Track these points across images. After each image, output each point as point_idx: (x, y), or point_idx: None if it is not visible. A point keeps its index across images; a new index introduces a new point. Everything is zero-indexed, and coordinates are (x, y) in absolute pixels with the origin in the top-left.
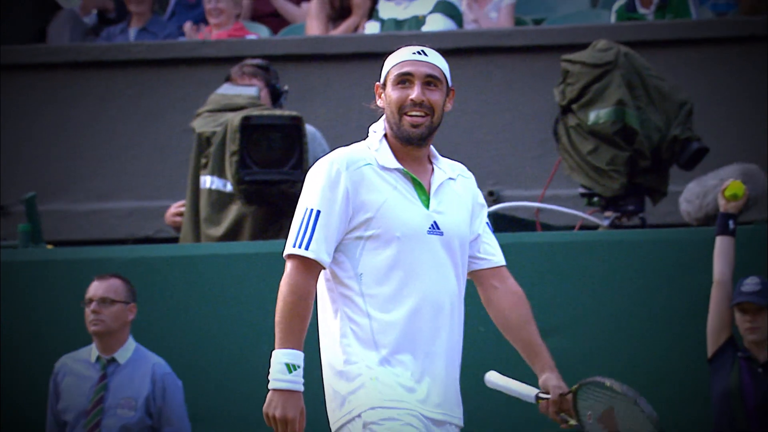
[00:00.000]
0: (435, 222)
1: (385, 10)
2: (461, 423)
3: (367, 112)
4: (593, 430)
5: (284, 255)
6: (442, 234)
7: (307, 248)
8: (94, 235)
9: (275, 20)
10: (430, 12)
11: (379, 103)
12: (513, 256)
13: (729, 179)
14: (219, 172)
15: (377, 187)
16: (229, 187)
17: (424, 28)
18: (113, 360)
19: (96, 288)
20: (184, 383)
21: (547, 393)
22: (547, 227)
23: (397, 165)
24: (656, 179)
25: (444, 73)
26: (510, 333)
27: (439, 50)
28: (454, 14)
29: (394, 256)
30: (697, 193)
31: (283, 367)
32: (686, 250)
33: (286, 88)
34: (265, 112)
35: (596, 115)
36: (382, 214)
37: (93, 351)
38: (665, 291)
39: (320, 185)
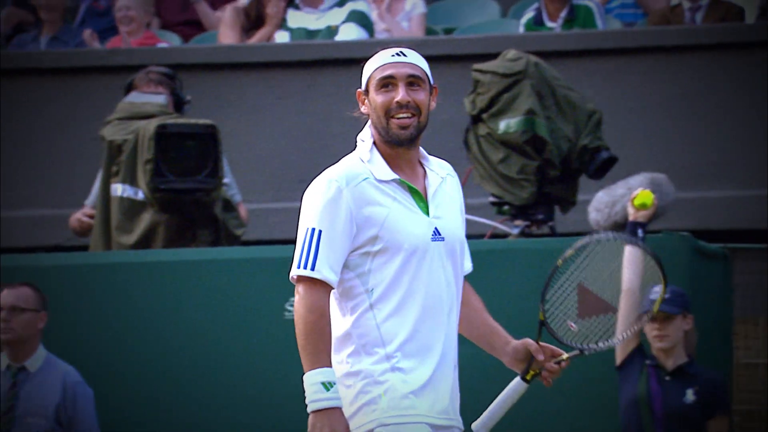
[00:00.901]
0: (436, 228)
1: (295, 20)
2: (462, 426)
3: (280, 120)
4: (587, 331)
5: (291, 277)
6: (443, 239)
7: (313, 269)
8: (4, 243)
9: (186, 29)
10: (343, 22)
11: (363, 109)
12: None
13: (638, 188)
14: (131, 180)
15: (378, 201)
16: (140, 195)
17: (337, 38)
18: (23, 368)
19: (6, 296)
20: (95, 392)
21: (526, 362)
22: None
23: (394, 176)
24: (565, 188)
25: (425, 72)
26: (471, 320)
27: (349, 60)
28: (366, 23)
29: (402, 268)
30: (605, 202)
31: (319, 386)
32: None
33: (188, 98)
34: (180, 121)
35: (506, 124)
36: (387, 229)
37: (3, 359)
38: None
39: (321, 204)
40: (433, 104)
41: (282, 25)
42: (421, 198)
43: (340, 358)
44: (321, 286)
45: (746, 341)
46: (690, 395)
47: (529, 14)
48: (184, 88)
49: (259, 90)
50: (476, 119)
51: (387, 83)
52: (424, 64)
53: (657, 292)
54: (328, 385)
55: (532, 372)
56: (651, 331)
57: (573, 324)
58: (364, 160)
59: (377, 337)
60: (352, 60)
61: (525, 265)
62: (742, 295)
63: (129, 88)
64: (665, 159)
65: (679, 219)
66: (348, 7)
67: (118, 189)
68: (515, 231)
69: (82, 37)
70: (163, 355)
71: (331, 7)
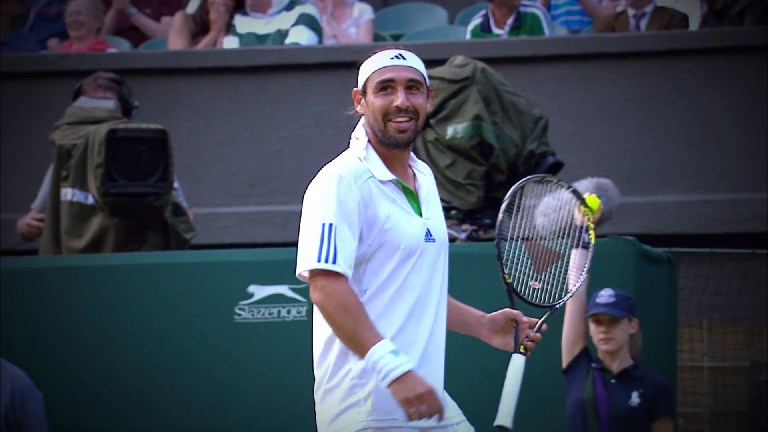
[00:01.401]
0: (428, 229)
1: (244, 25)
2: (451, 422)
3: (230, 125)
4: (547, 285)
5: (305, 271)
6: (434, 241)
7: (334, 262)
8: None
9: (136, 34)
10: (293, 25)
11: (359, 109)
12: None
13: (585, 193)
14: (81, 185)
15: (380, 201)
16: (90, 200)
17: (288, 40)
18: None
19: None
20: (44, 395)
21: (503, 333)
22: None
23: (392, 177)
24: None
25: (423, 76)
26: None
27: (299, 65)
28: (316, 27)
29: (397, 269)
30: (553, 206)
31: (389, 356)
32: None
33: (136, 103)
34: (131, 125)
35: (454, 130)
36: (387, 229)
37: None
38: None
39: (334, 199)
40: (428, 106)
41: (231, 30)
42: (414, 199)
43: (326, 358)
44: (340, 278)
45: (690, 344)
46: (635, 398)
47: (476, 21)
48: (134, 93)
49: (209, 95)
50: (424, 125)
51: (386, 86)
52: (422, 67)
53: (603, 296)
54: (395, 352)
55: (522, 344)
56: (597, 334)
57: (535, 283)
58: (361, 158)
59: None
60: (302, 65)
61: (472, 269)
62: (686, 299)
63: (77, 93)
64: (611, 164)
65: (625, 223)
66: (297, 11)
67: (68, 193)
68: (462, 235)
69: (47, 44)
70: (112, 359)
71: (279, 12)
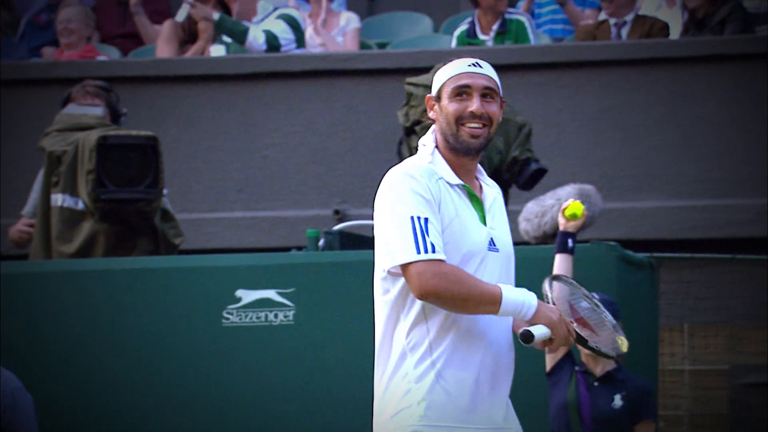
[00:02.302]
0: (492, 239)
1: None
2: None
3: (218, 131)
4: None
5: (404, 263)
6: (498, 251)
7: (434, 251)
8: None
9: (125, 42)
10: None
11: (431, 115)
12: (358, 274)
13: (569, 199)
14: (71, 191)
15: (448, 202)
16: (80, 205)
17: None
18: None
19: None
20: (35, 399)
21: None
22: None
23: (459, 181)
24: None
25: (498, 85)
26: None
27: (285, 73)
28: (295, 25)
29: (467, 268)
30: (535, 212)
31: (520, 294)
32: (525, 267)
33: (125, 110)
34: (122, 132)
35: None
36: (452, 231)
37: None
38: None
39: (411, 194)
40: (500, 116)
41: (218, 39)
42: (480, 207)
43: (385, 361)
44: (442, 262)
45: (671, 348)
46: (618, 401)
47: (463, 27)
48: (124, 101)
49: (197, 102)
50: (409, 131)
51: (462, 92)
52: (496, 77)
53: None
54: (521, 293)
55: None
56: None
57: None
58: (428, 162)
59: (426, 343)
60: (290, 73)
61: None
62: (667, 304)
63: (66, 101)
64: (593, 170)
65: (607, 229)
66: (279, 12)
67: (58, 199)
68: None
69: (42, 53)
70: (102, 362)
71: (263, 19)
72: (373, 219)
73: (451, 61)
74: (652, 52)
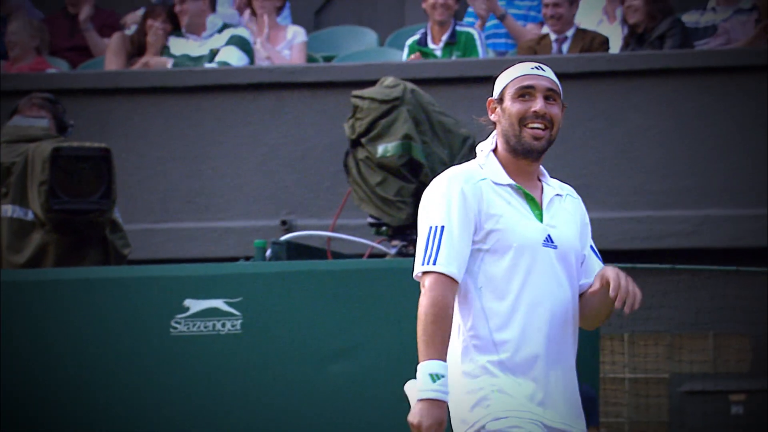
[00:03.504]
0: (549, 235)
1: (178, 47)
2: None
3: (166, 143)
4: None
5: (415, 275)
6: (556, 247)
7: (434, 263)
8: None
9: (74, 54)
10: (224, 45)
11: (493, 117)
12: (305, 284)
13: None
14: (21, 201)
15: (494, 201)
16: (30, 216)
17: (218, 58)
18: None
19: None
20: None
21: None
22: (337, 255)
23: (509, 181)
24: None
25: (560, 89)
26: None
27: (232, 86)
28: (247, 48)
29: (511, 268)
30: None
31: (427, 377)
32: None
33: (71, 122)
34: (75, 144)
35: (384, 148)
36: (500, 228)
37: None
38: None
39: (441, 201)
40: (561, 120)
41: (165, 52)
42: (536, 206)
43: (453, 356)
44: (446, 281)
45: (612, 356)
46: None
47: (416, 37)
48: (73, 113)
49: (145, 114)
50: (355, 143)
51: (525, 93)
52: (558, 81)
53: None
54: (435, 377)
55: None
56: None
57: None
58: (481, 165)
59: (488, 338)
60: (238, 85)
61: (402, 284)
62: None
63: (14, 113)
64: None
65: None
66: (229, 32)
67: (8, 210)
68: (393, 251)
69: None
70: (51, 373)
71: (212, 34)
72: (320, 230)
73: (513, 65)
74: (592, 66)
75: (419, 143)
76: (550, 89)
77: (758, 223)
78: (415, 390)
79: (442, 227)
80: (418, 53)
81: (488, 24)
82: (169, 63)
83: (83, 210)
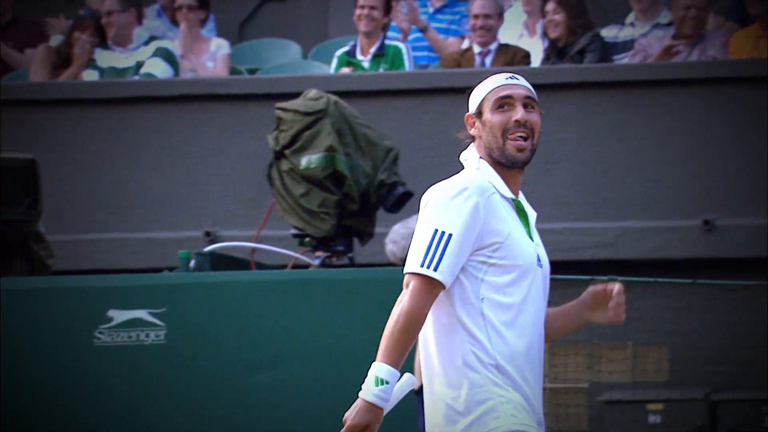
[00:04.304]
0: (538, 255)
1: (104, 59)
2: None
3: (88, 154)
4: None
5: (407, 272)
6: (542, 267)
7: (436, 269)
8: None
9: None
10: (150, 57)
11: (472, 132)
12: (229, 294)
13: None
14: None
15: (503, 216)
16: None
17: (143, 70)
18: None
19: None
20: None
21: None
22: (261, 266)
23: (511, 195)
24: (364, 221)
25: (536, 96)
26: (553, 326)
27: (158, 98)
28: (172, 60)
29: (514, 285)
30: (402, 234)
31: (373, 379)
32: (392, 288)
33: None
34: (1, 155)
35: (308, 160)
36: (509, 244)
37: None
38: (373, 327)
39: (453, 209)
40: (540, 126)
41: (91, 64)
42: (527, 223)
43: (454, 366)
44: (434, 288)
45: None
46: None
47: (345, 48)
48: None
49: (70, 126)
50: (279, 155)
51: (504, 103)
52: (533, 89)
53: None
54: (381, 381)
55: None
56: None
57: None
58: (483, 175)
59: (488, 349)
60: (162, 97)
61: (325, 295)
62: None
63: None
64: None
65: None
66: (155, 45)
67: None
68: (316, 262)
69: None
70: None
71: (139, 47)
72: (244, 241)
73: (487, 78)
74: None
75: (343, 155)
76: (527, 97)
77: (675, 234)
78: (363, 386)
79: (450, 235)
80: (349, 66)
81: (410, 37)
82: (95, 75)
83: (9, 221)
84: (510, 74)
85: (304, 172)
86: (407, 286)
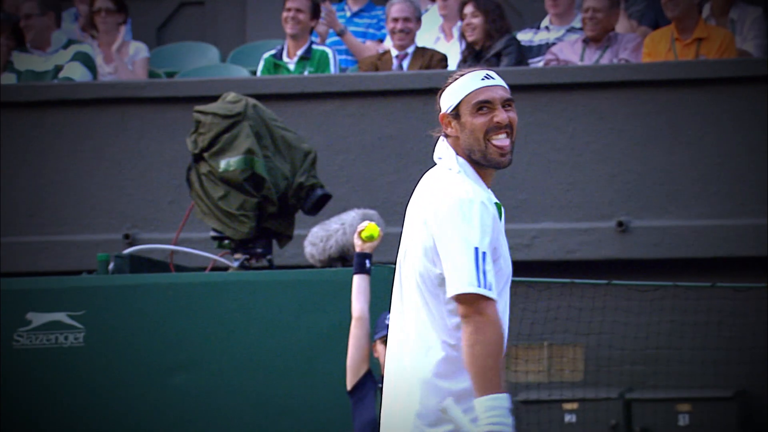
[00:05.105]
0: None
1: (22, 63)
2: None
3: (6, 157)
4: None
5: (464, 292)
6: (510, 274)
7: (491, 289)
8: None
9: None
10: (69, 61)
11: (449, 131)
12: (148, 297)
13: (365, 221)
14: None
15: (499, 225)
16: None
17: (62, 74)
18: None
19: None
20: None
21: None
22: (180, 268)
23: (495, 200)
24: (283, 223)
25: (511, 95)
26: None
27: (77, 101)
28: (90, 65)
29: (502, 294)
30: (321, 236)
31: (506, 412)
32: (311, 289)
33: None
34: None
35: (227, 163)
36: (503, 252)
37: None
38: (291, 328)
39: (478, 224)
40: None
41: (9, 67)
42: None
43: (454, 384)
44: (496, 307)
45: None
46: None
47: (272, 51)
48: None
49: None
50: (198, 158)
51: (483, 106)
52: (506, 85)
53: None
54: (510, 411)
55: None
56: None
57: None
58: (466, 177)
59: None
60: (80, 100)
61: (244, 296)
62: None
63: None
64: (376, 196)
65: (389, 252)
66: (73, 49)
67: None
68: (235, 264)
69: None
70: None
71: (57, 50)
72: (163, 243)
73: (459, 76)
74: (431, 83)
75: (261, 158)
76: (506, 99)
77: (590, 236)
78: (490, 422)
79: (484, 253)
80: (276, 68)
81: (328, 41)
82: (13, 78)
83: None
84: (485, 73)
85: (223, 175)
86: (473, 308)
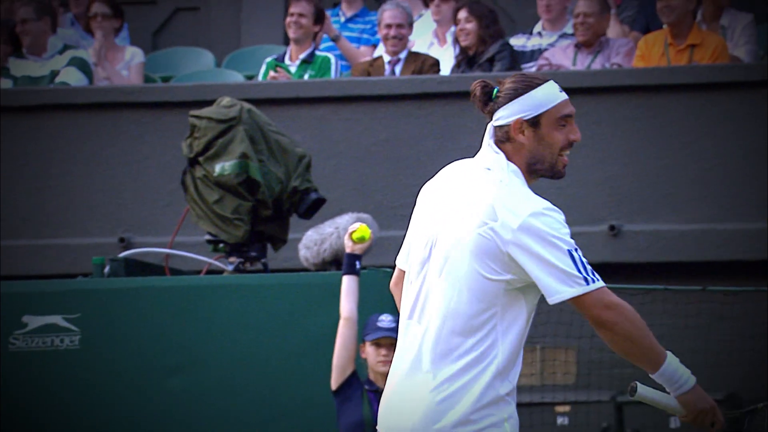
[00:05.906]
0: None
1: (18, 68)
2: None
3: (4, 160)
4: None
5: (588, 291)
6: None
7: (599, 279)
8: None
9: None
10: (65, 66)
11: (520, 138)
12: (143, 300)
13: (356, 223)
14: None
15: None
16: None
17: (58, 79)
18: None
19: None
20: None
21: None
22: (175, 272)
23: None
24: (277, 227)
25: None
26: None
27: (73, 105)
28: (86, 69)
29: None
30: (315, 240)
31: (682, 366)
32: (305, 292)
33: None
34: None
35: (221, 167)
36: None
37: None
38: (286, 330)
39: (567, 231)
40: None
41: (5, 73)
42: None
43: (473, 377)
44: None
45: None
46: None
47: (273, 56)
48: None
49: None
50: (193, 162)
51: (565, 122)
52: None
53: (385, 321)
54: (682, 364)
55: None
56: (377, 356)
57: None
58: (527, 187)
59: (509, 364)
60: (76, 105)
61: (239, 300)
62: None
63: None
64: (369, 200)
65: (383, 256)
66: (69, 54)
67: None
68: (230, 267)
69: None
70: None
71: (53, 56)
72: (158, 247)
73: (535, 80)
74: (424, 88)
75: (256, 162)
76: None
77: (582, 240)
78: (676, 382)
79: (576, 248)
80: (279, 71)
81: (322, 45)
82: (9, 84)
83: None
84: (558, 86)
85: (217, 179)
86: (598, 304)
